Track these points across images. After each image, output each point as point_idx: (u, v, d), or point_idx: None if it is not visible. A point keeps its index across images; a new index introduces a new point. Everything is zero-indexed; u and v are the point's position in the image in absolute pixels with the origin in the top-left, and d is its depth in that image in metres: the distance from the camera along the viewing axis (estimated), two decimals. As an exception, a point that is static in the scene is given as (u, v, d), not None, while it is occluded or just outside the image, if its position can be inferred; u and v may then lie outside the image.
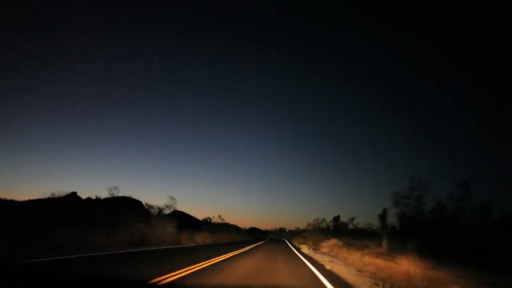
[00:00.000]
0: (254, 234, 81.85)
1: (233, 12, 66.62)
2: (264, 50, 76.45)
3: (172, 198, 25.06)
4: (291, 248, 22.23)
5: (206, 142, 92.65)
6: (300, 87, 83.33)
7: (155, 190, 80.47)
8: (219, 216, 44.14)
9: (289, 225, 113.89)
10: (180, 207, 36.23)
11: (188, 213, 46.43)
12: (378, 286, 6.20)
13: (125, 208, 26.03)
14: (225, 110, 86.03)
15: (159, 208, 24.64)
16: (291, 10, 62.94)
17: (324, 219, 37.36)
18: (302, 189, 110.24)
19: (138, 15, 63.81)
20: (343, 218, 35.59)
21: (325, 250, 19.82)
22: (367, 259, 10.26)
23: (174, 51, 71.07)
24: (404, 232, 10.80)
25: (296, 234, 52.70)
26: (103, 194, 22.46)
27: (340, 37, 71.39)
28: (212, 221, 42.72)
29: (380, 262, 9.54)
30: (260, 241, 36.78)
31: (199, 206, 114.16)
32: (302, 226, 56.11)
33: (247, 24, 70.06)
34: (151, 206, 28.50)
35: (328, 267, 9.38)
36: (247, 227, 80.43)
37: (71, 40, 60.61)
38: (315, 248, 20.93)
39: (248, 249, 16.84)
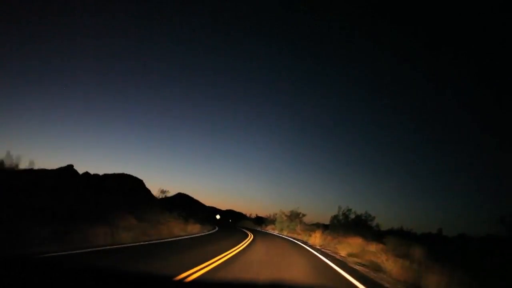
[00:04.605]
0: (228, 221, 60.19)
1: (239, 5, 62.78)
2: (274, 40, 72.91)
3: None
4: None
5: (211, 131, 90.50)
6: (300, 81, 79.93)
7: (160, 176, 79.89)
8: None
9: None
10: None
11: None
12: None
13: (128, 188, 24.40)
14: (234, 101, 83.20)
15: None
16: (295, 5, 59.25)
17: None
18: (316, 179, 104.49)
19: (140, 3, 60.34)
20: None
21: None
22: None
23: (175, 37, 67.80)
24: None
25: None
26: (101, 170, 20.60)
27: (350, 37, 67.45)
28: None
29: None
30: None
31: (208, 194, 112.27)
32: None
33: (254, 16, 66.20)
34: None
35: None
36: (253, 215, 70.48)
37: (75, 22, 57.60)
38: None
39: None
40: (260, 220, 48.83)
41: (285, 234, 26.73)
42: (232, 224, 52.66)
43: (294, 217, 30.78)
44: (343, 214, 21.04)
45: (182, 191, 78.51)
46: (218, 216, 61.72)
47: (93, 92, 69.02)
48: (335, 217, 21.52)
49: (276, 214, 36.81)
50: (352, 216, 20.47)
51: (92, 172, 21.01)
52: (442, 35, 53.74)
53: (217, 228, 25.79)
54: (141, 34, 66.15)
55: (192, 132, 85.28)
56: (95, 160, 70.07)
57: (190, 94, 79.20)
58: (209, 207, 77.91)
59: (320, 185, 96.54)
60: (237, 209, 79.21)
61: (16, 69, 54.42)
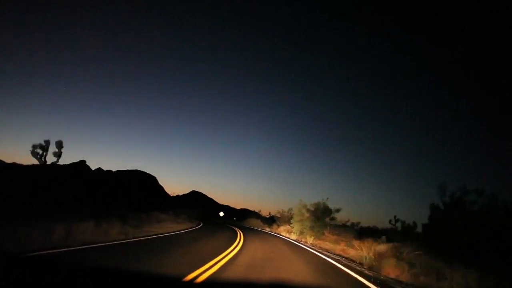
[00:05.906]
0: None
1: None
2: (272, 39, 71.15)
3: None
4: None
5: (229, 129, 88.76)
6: (311, 75, 78.45)
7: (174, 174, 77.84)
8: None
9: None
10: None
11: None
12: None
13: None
14: (243, 100, 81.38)
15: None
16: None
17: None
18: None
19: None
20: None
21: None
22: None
23: (185, 36, 65.71)
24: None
25: None
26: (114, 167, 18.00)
27: (354, 33, 65.74)
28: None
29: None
30: None
31: (224, 193, 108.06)
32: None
33: (257, 16, 64.26)
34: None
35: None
36: (267, 214, 64.86)
37: (84, 18, 54.48)
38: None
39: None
40: (272, 220, 42.92)
41: (309, 243, 16.60)
42: (234, 223, 48.41)
43: (322, 214, 20.08)
44: (453, 199, 9.67)
45: (196, 189, 77.17)
46: (221, 213, 59.72)
47: (105, 89, 66.22)
48: (434, 207, 9.92)
49: (291, 210, 25.45)
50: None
51: (105, 168, 18.57)
52: (443, 33, 52.38)
53: (201, 225, 21.84)
54: (156, 31, 63.62)
55: (209, 130, 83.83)
56: (108, 156, 68.44)
57: (208, 93, 77.31)
58: (222, 205, 75.88)
59: (347, 184, 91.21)
60: (252, 208, 77.47)
61: (29, 67, 51.22)
